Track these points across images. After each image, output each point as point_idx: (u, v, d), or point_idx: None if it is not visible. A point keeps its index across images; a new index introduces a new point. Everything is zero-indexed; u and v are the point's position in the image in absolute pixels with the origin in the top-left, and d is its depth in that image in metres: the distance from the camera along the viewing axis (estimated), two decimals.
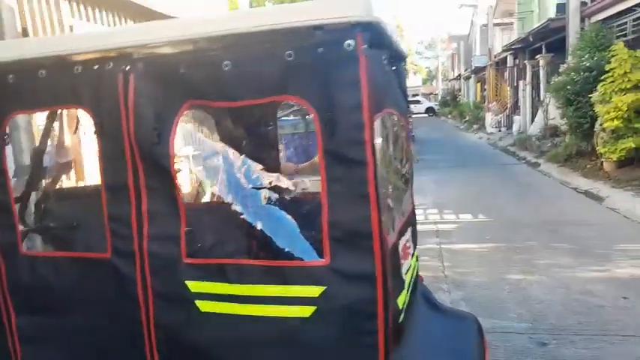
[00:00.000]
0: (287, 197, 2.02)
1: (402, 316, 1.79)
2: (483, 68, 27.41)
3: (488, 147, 18.02)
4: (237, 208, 1.84)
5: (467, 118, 28.05)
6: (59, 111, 1.89)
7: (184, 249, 1.69)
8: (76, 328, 1.89)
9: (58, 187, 2.59)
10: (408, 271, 2.02)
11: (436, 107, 43.42)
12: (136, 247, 1.73)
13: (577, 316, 4.06)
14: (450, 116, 35.82)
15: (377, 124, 1.78)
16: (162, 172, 1.67)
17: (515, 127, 18.78)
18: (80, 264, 1.92)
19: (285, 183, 1.98)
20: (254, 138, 2.12)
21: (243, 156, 2.06)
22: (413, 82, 54.59)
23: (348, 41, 1.44)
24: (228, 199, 1.88)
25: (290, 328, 1.59)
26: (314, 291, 1.56)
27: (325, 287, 1.56)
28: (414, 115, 36.71)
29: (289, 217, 1.82)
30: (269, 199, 1.97)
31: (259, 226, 1.81)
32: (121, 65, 1.65)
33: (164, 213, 1.70)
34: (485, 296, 4.60)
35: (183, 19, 1.64)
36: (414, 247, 2.27)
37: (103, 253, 1.80)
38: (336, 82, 1.48)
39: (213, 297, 1.66)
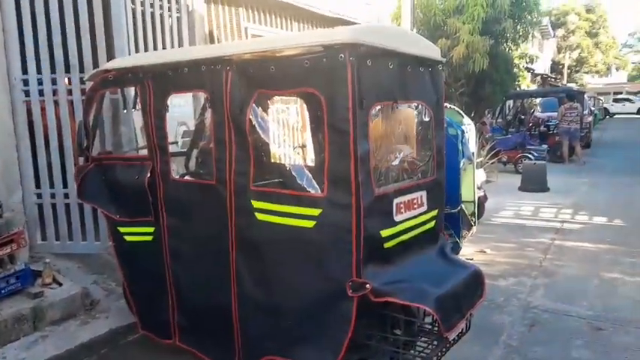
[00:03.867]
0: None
1: (387, 244, 2.57)
2: None
3: None
4: (281, 162, 2.90)
5: None
6: (199, 94, 3.05)
7: (251, 180, 2.73)
8: (196, 225, 3.07)
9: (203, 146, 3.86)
10: (410, 219, 2.76)
11: None
12: (227, 178, 2.82)
13: None
14: None
15: (377, 108, 2.59)
16: (242, 133, 2.71)
17: None
18: (200, 187, 3.12)
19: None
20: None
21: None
22: (616, 78, 48.55)
23: (341, 54, 2.27)
24: (277, 158, 2.94)
25: (300, 233, 2.51)
26: (315, 211, 2.46)
27: (322, 209, 2.44)
28: (619, 116, 32.21)
29: (306, 169, 2.80)
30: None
31: (291, 171, 2.80)
32: (225, 66, 2.72)
33: (242, 158, 2.74)
34: (568, 286, 4.86)
35: (251, 40, 2.62)
36: (431, 208, 2.95)
37: (211, 180, 2.94)
38: (334, 80, 2.31)
39: (264, 211, 2.66)
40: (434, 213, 3.00)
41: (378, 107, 2.53)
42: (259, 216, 2.70)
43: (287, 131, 3.19)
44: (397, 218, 2.66)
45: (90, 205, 4.34)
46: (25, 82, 4.63)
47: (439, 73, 3.01)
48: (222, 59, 2.74)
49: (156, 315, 3.46)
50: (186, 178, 3.50)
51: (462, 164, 5.23)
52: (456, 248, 5.08)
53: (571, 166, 12.82)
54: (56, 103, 4.72)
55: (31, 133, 4.71)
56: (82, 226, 4.86)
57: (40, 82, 4.66)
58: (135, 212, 3.37)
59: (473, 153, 5.73)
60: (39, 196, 4.80)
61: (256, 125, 2.72)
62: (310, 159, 3.00)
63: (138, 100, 3.30)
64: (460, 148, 5.09)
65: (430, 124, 3.03)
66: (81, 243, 4.86)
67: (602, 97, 33.22)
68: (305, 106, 3.01)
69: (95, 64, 4.51)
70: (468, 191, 5.76)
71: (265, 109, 2.86)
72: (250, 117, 2.68)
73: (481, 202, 7.01)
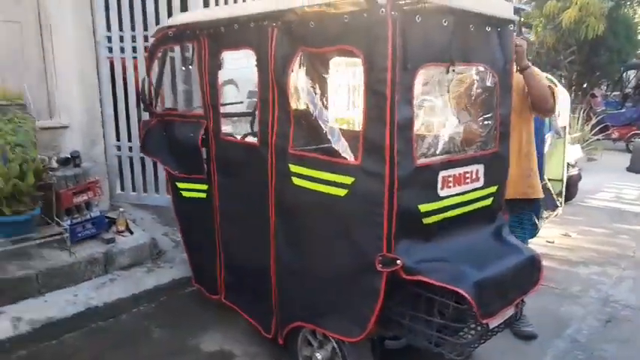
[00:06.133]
0: None
1: (427, 220, 2.36)
2: None
3: None
4: (318, 125, 2.77)
5: None
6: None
7: (291, 143, 2.63)
8: (241, 183, 3.06)
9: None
10: (460, 194, 2.52)
11: None
12: (269, 140, 2.75)
13: None
14: None
15: (427, 70, 2.35)
16: (283, 93, 2.61)
17: None
18: (245, 148, 3.09)
19: None
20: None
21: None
22: None
23: (382, 9, 2.07)
24: (316, 119, 2.80)
25: (332, 201, 2.39)
26: (348, 180, 2.31)
27: (355, 178, 2.29)
28: None
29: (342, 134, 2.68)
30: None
31: (327, 135, 2.66)
32: (272, 22, 2.61)
33: (283, 119, 2.65)
34: None
35: None
36: (488, 184, 2.67)
37: (255, 142, 2.89)
38: (374, 37, 2.11)
39: (299, 175, 2.57)
40: (492, 189, 2.72)
41: (430, 69, 2.29)
42: (295, 180, 2.61)
43: (329, 93, 3.02)
44: (442, 193, 2.44)
45: (152, 159, 4.53)
46: (109, 39, 4.86)
47: (509, 34, 2.68)
48: (269, 15, 2.62)
49: (206, 270, 3.55)
50: (234, 138, 3.48)
51: (547, 139, 4.75)
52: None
53: None
54: (135, 60, 4.92)
55: (113, 88, 4.97)
56: (156, 180, 5.11)
57: (121, 40, 4.87)
58: (190, 169, 3.44)
59: (564, 127, 5.18)
60: (118, 148, 5.10)
61: (298, 86, 2.60)
62: (349, 123, 2.84)
63: (194, 58, 3.31)
64: (546, 120, 4.60)
65: (495, 91, 2.71)
66: (154, 195, 5.12)
67: None
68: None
69: None
70: (556, 168, 5.27)
71: (310, 69, 2.74)
72: (293, 77, 2.56)
73: (573, 181, 6.39)
